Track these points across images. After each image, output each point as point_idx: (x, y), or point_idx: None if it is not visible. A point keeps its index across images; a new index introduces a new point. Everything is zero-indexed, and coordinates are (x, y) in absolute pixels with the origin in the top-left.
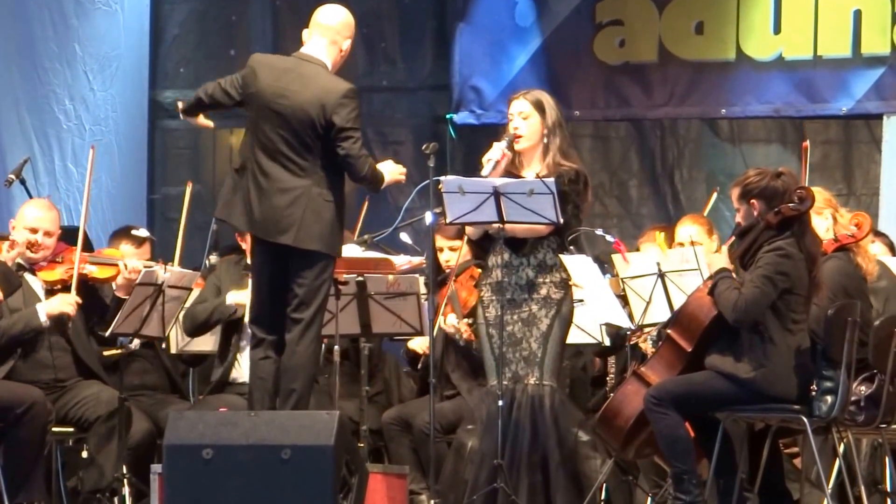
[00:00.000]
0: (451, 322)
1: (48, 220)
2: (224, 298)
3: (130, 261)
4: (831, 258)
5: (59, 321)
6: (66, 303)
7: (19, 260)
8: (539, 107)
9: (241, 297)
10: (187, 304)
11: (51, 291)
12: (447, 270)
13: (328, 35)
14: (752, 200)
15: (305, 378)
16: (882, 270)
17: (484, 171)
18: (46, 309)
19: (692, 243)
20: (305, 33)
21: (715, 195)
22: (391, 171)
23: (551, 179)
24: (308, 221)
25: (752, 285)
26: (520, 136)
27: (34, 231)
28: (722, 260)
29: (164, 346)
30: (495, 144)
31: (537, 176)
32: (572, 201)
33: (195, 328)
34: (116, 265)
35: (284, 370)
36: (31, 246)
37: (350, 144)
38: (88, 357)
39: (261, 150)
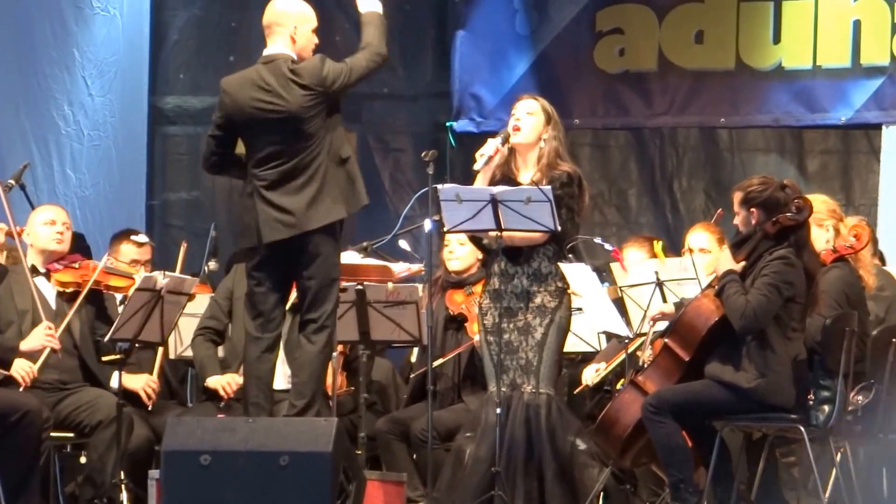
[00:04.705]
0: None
1: (64, 214)
2: (209, 377)
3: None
4: (832, 268)
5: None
6: (44, 336)
7: (33, 262)
8: (546, 111)
9: (222, 381)
10: (193, 312)
11: (62, 294)
12: (444, 260)
13: (280, 27)
14: (753, 209)
15: (317, 379)
16: (885, 280)
17: (476, 166)
18: (25, 346)
19: (692, 251)
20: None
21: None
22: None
23: (548, 187)
24: (331, 189)
25: (759, 293)
26: (518, 129)
27: (52, 223)
28: (728, 261)
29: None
30: (489, 140)
31: (532, 181)
32: (566, 205)
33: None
34: (132, 278)
35: (297, 367)
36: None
37: (361, 70)
38: (93, 363)
39: (262, 165)
